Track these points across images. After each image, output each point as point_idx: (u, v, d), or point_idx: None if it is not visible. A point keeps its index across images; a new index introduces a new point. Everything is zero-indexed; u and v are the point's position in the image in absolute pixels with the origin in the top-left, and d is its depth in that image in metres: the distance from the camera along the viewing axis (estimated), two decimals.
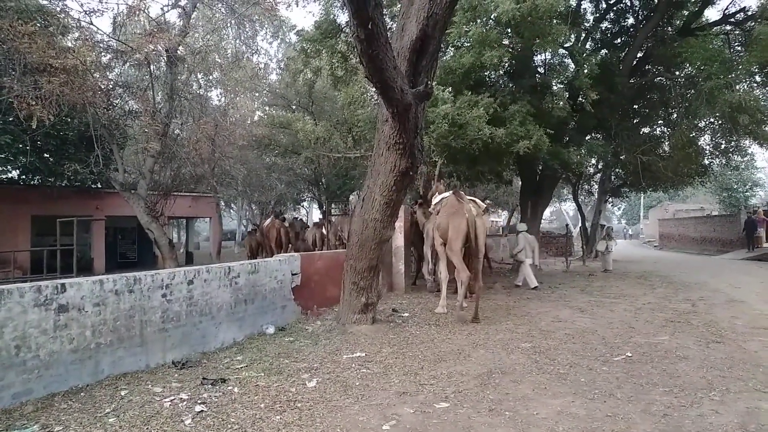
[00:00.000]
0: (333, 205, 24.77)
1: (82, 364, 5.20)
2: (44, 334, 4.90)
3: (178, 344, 6.25)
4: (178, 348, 6.23)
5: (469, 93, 12.06)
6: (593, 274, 16.30)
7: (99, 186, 19.86)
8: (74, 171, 15.63)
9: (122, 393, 5.03)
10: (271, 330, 7.74)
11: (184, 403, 4.80)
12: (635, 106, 18.06)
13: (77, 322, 5.18)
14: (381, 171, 7.44)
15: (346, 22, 13.89)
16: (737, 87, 13.63)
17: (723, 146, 18.16)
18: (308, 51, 15.21)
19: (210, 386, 5.24)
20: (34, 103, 11.52)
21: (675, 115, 17.64)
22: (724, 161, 19.53)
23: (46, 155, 17.12)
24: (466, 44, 12.93)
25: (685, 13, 16.41)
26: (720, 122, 15.94)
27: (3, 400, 4.55)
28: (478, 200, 10.44)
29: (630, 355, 6.36)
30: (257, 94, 23.07)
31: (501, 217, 50.57)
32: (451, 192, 10.09)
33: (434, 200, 10.79)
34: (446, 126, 11.26)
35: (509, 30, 12.75)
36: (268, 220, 18.97)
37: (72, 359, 5.11)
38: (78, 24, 13.73)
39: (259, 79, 20.69)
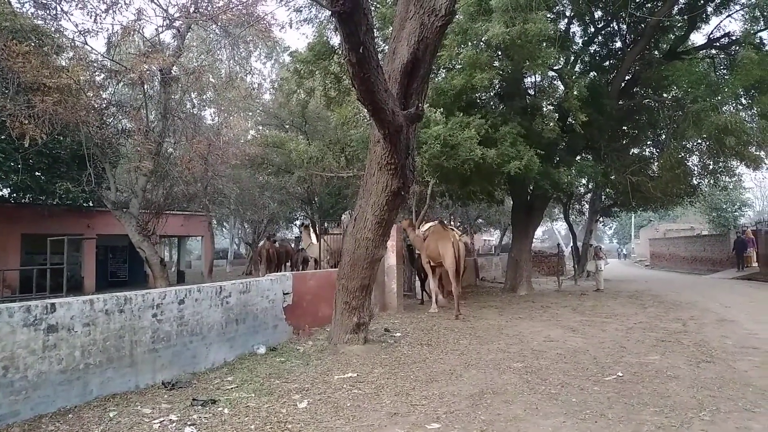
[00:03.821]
0: (326, 224, 24.75)
1: (70, 385, 5.15)
2: (33, 355, 4.87)
3: (168, 365, 6.20)
4: (168, 368, 6.19)
5: (461, 114, 12.22)
6: (585, 294, 16.35)
7: (90, 205, 19.74)
8: (66, 189, 15.56)
9: (111, 414, 4.98)
10: (262, 350, 7.70)
11: (174, 424, 4.76)
12: (624, 128, 18.32)
13: (66, 342, 5.15)
14: (373, 191, 7.50)
15: (339, 43, 14.09)
16: (723, 109, 13.88)
17: (711, 167, 18.38)
18: (302, 72, 15.37)
19: (200, 407, 5.20)
20: (27, 121, 11.51)
21: (663, 137, 17.89)
22: (712, 182, 19.74)
23: (37, 174, 17.03)
24: (457, 66, 13.14)
25: (672, 37, 16.77)
26: (707, 144, 16.17)
27: None
28: (456, 230, 13.86)
29: (621, 375, 6.38)
30: (251, 114, 23.20)
31: (493, 237, 50.76)
32: (436, 221, 12.86)
33: (422, 228, 13.02)
34: (438, 146, 11.39)
35: (499, 53, 13.01)
36: (262, 242, 19.67)
37: (60, 380, 5.07)
38: (72, 44, 13.80)
39: (252, 99, 20.78)
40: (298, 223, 30.19)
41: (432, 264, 12.42)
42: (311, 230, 19.83)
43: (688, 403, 5.29)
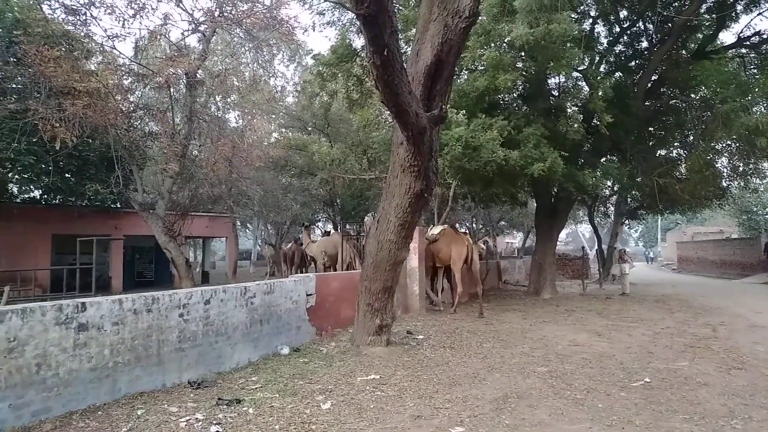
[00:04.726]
0: (348, 226, 24.87)
1: (100, 383, 5.26)
2: (64, 353, 4.99)
3: (194, 364, 6.29)
4: (194, 368, 6.28)
5: (483, 116, 12.16)
6: (610, 297, 16.09)
7: (118, 206, 20.17)
8: (95, 191, 15.93)
9: (139, 412, 5.07)
10: (285, 351, 7.76)
11: (200, 423, 4.83)
12: (650, 129, 17.96)
13: (96, 340, 5.26)
14: (396, 193, 7.50)
15: (362, 46, 14.15)
16: (754, 110, 13.54)
17: (741, 169, 17.95)
18: (324, 74, 15.46)
19: (225, 407, 5.27)
20: (57, 125, 11.84)
21: (691, 138, 17.54)
22: (742, 184, 19.28)
23: (67, 175, 17.46)
24: (480, 68, 13.08)
25: (700, 36, 16.40)
26: (737, 145, 15.79)
27: (22, 417, 4.61)
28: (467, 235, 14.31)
29: (649, 380, 6.27)
30: (274, 117, 23.38)
31: (516, 239, 50.32)
32: (446, 226, 13.36)
33: (433, 231, 13.30)
34: (460, 148, 11.34)
35: (523, 54, 12.89)
36: (290, 245, 21.42)
37: (90, 378, 5.18)
38: (101, 48, 14.13)
39: (275, 101, 20.96)
40: (323, 226, 30.49)
41: (438, 266, 13.00)
42: (311, 231, 20.34)
43: (718, 410, 5.18)
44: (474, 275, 12.78)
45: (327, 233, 20.88)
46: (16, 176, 16.93)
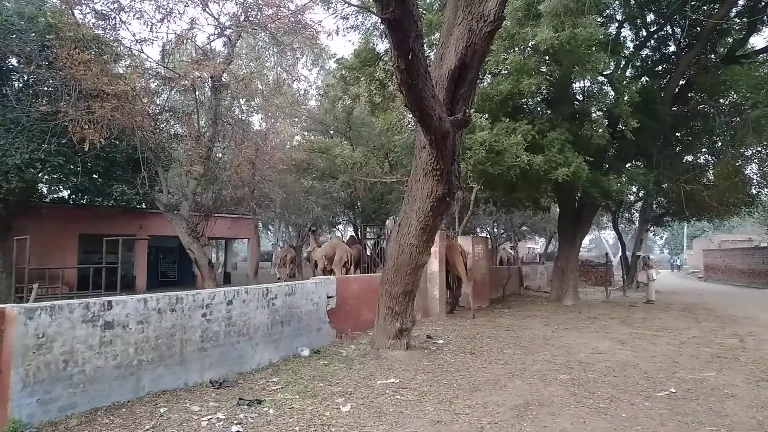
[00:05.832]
0: (368, 229, 24.91)
1: (124, 380, 5.34)
2: (90, 350, 5.07)
3: (216, 364, 6.35)
4: (215, 367, 6.34)
5: (507, 120, 12.11)
6: (634, 305, 15.83)
7: (143, 206, 20.52)
8: (121, 192, 16.24)
9: (161, 410, 5.14)
10: (306, 352, 7.79)
11: (221, 422, 4.87)
12: (678, 134, 17.66)
13: (121, 338, 5.35)
14: (418, 197, 7.49)
15: (385, 50, 14.18)
16: None
17: None
18: (347, 78, 15.54)
19: (246, 407, 5.31)
20: (86, 126, 12.13)
21: (720, 144, 17.19)
22: None
23: (95, 176, 17.79)
24: (503, 72, 13.01)
25: (730, 40, 16.07)
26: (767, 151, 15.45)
27: (50, 412, 4.70)
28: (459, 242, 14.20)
29: (674, 391, 6.14)
30: (297, 120, 23.57)
31: (538, 245, 49.83)
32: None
33: None
34: (483, 152, 11.30)
35: (547, 58, 12.81)
36: (309, 248, 21.06)
37: (115, 375, 5.26)
38: (129, 52, 14.44)
39: (298, 105, 21.14)
40: (343, 228, 30.54)
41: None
42: (317, 236, 20.42)
43: (747, 423, 5.05)
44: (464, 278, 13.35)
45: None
46: (46, 176, 17.34)
